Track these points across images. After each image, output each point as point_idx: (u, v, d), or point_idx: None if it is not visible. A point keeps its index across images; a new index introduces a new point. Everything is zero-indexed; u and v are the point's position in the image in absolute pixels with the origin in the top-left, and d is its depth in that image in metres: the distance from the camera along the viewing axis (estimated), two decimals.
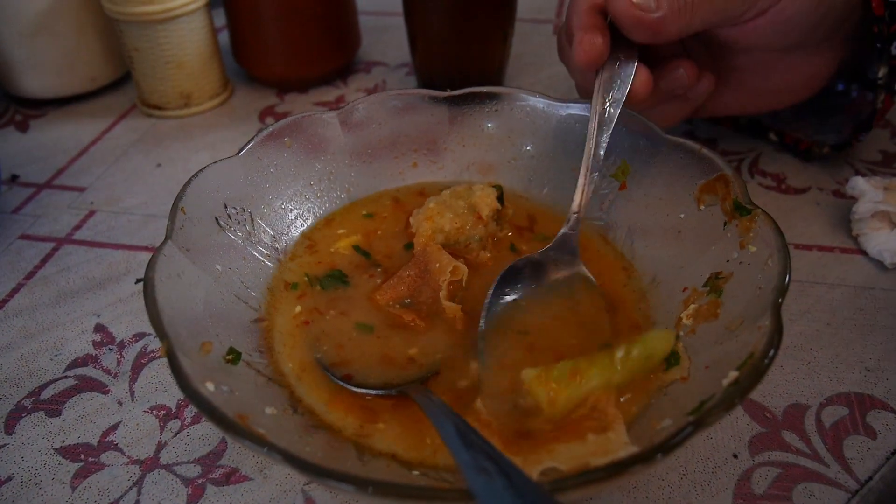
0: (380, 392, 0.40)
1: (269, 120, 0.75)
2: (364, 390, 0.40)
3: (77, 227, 0.61)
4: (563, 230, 0.48)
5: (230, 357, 0.40)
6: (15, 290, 0.55)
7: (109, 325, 0.51)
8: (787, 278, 0.37)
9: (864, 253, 0.55)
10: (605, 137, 0.48)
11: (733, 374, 0.33)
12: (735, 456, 0.41)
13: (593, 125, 0.49)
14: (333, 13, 0.75)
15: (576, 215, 0.48)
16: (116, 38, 0.76)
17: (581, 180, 0.48)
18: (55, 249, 0.58)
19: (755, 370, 0.32)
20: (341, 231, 0.52)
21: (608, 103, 0.49)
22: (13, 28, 0.71)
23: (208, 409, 0.32)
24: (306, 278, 0.48)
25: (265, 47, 0.76)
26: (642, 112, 0.51)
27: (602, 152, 0.48)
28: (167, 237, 0.42)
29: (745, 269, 0.41)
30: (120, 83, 0.82)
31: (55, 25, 0.72)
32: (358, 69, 0.83)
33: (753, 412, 0.43)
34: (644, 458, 0.29)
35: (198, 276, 0.42)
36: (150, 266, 0.39)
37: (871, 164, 0.65)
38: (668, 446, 0.29)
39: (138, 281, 0.55)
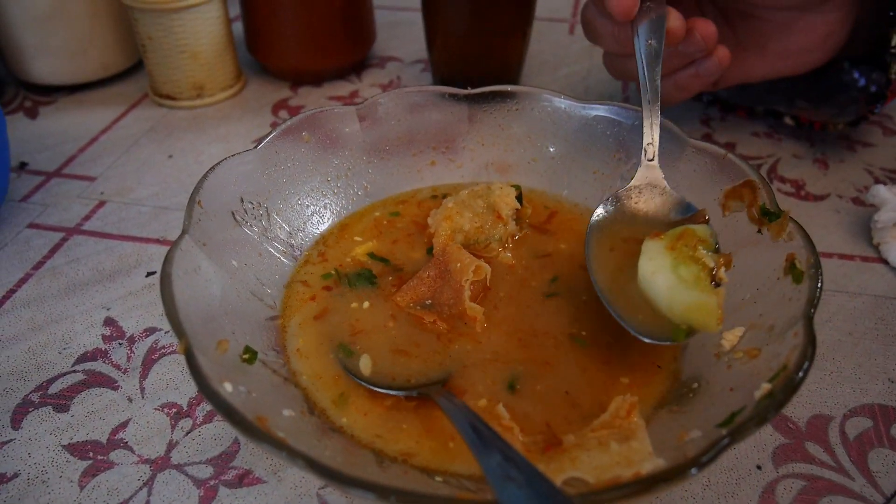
0: (400, 393, 0.39)
1: (283, 113, 0.74)
2: (385, 390, 0.39)
3: (87, 218, 0.60)
4: (641, 165, 0.47)
5: (247, 356, 0.39)
6: (23, 281, 0.54)
7: (119, 318, 0.50)
8: (819, 288, 0.37)
9: (885, 262, 0.55)
10: (658, 70, 0.48)
11: (766, 387, 0.33)
12: (759, 467, 0.40)
13: (642, 63, 0.48)
14: (350, 6, 0.74)
15: (651, 146, 0.47)
16: (130, 25, 0.76)
17: (646, 113, 0.47)
18: (64, 240, 0.58)
19: (789, 383, 0.32)
20: (358, 238, 0.51)
21: (651, 40, 0.49)
22: (25, 11, 0.70)
23: (228, 411, 0.31)
24: (334, 273, 0.47)
25: (280, 39, 0.75)
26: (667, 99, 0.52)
27: (658, 83, 0.48)
28: (184, 231, 0.41)
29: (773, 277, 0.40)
30: (131, 72, 0.81)
31: (68, 10, 0.71)
32: (372, 64, 0.82)
33: (777, 423, 0.43)
34: (678, 472, 0.29)
35: (214, 271, 0.41)
36: (168, 261, 0.38)
37: (890, 172, 0.65)
38: (702, 461, 0.29)
39: (149, 274, 0.54)
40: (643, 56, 0.49)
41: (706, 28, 0.53)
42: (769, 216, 0.42)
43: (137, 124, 0.72)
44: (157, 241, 0.57)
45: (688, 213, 0.45)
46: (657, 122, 0.47)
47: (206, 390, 0.32)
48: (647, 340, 0.39)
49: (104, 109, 0.75)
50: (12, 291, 0.53)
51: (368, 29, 0.79)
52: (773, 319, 0.37)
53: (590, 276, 0.43)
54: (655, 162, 0.47)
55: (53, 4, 0.70)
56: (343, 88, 0.78)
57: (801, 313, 0.35)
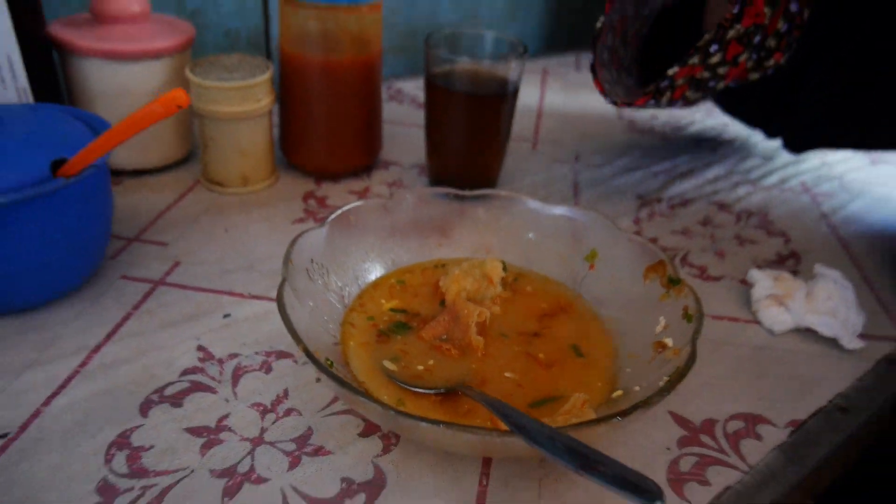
0: (431, 391, 0.58)
1: (311, 202, 0.94)
2: (422, 390, 0.58)
3: (167, 273, 0.77)
4: None
5: (329, 362, 0.57)
6: (126, 318, 0.70)
7: (208, 346, 0.67)
8: (700, 324, 0.58)
9: (759, 323, 0.77)
10: None
11: (665, 378, 0.53)
12: (668, 449, 0.60)
13: None
14: (365, 122, 0.96)
15: None
16: (187, 125, 0.95)
17: None
18: (152, 290, 0.74)
19: (679, 375, 0.52)
20: (382, 301, 0.70)
21: None
22: (113, 114, 0.89)
23: (348, 386, 0.49)
24: (379, 331, 0.66)
25: (309, 144, 0.96)
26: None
27: None
28: (284, 280, 0.59)
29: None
30: (183, 162, 1.00)
31: None
32: (379, 166, 1.04)
33: (681, 423, 0.62)
34: (608, 419, 0.48)
35: (299, 308, 0.60)
36: (279, 297, 0.56)
37: (767, 263, 0.88)
38: (625, 411, 0.48)
39: (226, 316, 0.71)
40: None
41: None
42: (673, 282, 0.64)
43: (194, 205, 0.91)
44: (228, 293, 0.75)
45: None
46: None
47: (328, 373, 0.49)
48: None
49: (164, 191, 0.93)
50: (119, 326, 0.69)
51: (378, 139, 1.01)
52: (676, 344, 0.58)
53: None
54: None
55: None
56: (357, 185, 0.99)
57: (689, 340, 0.56)
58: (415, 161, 1.06)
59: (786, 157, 1.19)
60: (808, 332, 0.76)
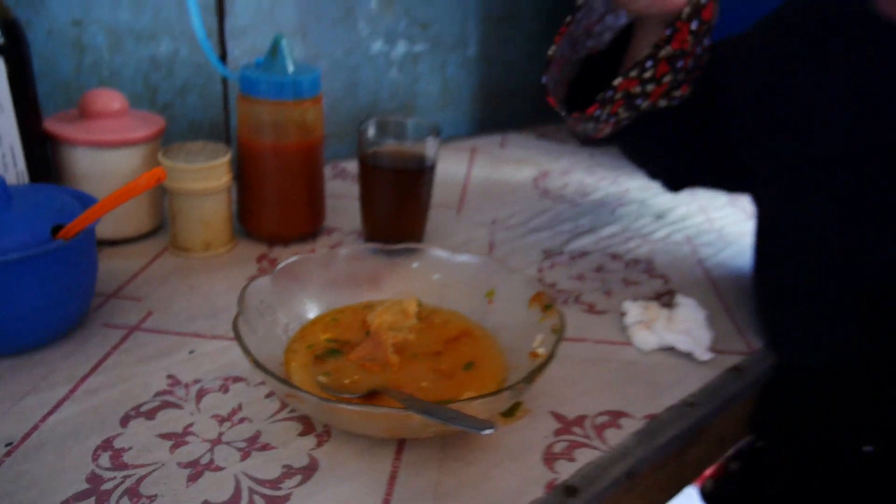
0: (356, 395, 0.73)
1: (265, 262, 1.10)
2: (347, 395, 0.73)
3: (142, 321, 0.92)
4: None
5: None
6: (107, 356, 0.84)
7: (177, 374, 0.81)
8: (561, 337, 0.75)
9: (631, 344, 0.95)
10: None
11: (528, 372, 0.70)
12: (545, 437, 0.76)
13: None
14: (312, 195, 1.15)
15: None
16: (158, 201, 1.12)
17: None
18: (129, 333, 0.89)
19: (539, 368, 0.69)
20: (320, 334, 0.86)
21: None
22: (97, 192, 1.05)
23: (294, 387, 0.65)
24: (315, 355, 0.81)
25: (262, 214, 1.13)
26: None
27: None
28: (238, 313, 0.75)
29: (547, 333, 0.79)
30: (152, 232, 1.16)
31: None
32: (323, 233, 1.21)
33: (559, 419, 0.79)
34: (481, 397, 0.64)
35: (251, 335, 0.75)
36: (235, 325, 0.72)
37: (646, 299, 1.07)
38: (494, 393, 0.65)
39: (191, 352, 0.86)
40: None
41: None
42: (547, 307, 0.82)
43: (164, 267, 1.06)
44: (193, 335, 0.90)
45: None
46: None
47: (272, 375, 0.65)
48: None
49: (138, 257, 1.09)
50: (102, 361, 0.83)
51: (321, 209, 1.19)
52: (545, 351, 0.75)
53: None
54: None
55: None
56: (304, 248, 1.16)
57: (553, 346, 0.73)
58: (354, 227, 1.24)
59: (674, 215, 1.41)
60: (670, 350, 0.94)
